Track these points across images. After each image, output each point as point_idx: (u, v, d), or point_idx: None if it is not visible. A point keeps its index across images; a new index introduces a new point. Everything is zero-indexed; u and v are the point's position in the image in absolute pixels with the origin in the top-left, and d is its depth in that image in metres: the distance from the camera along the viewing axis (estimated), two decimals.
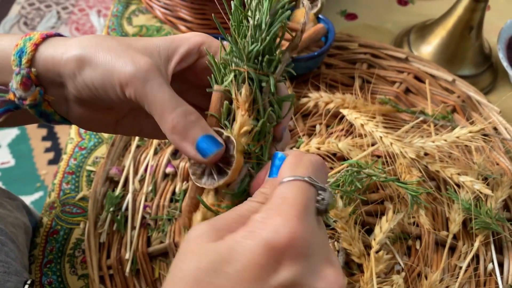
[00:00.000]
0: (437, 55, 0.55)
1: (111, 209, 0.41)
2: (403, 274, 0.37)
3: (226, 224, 0.19)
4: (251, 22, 0.23)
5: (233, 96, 0.23)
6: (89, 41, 0.25)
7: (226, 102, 0.23)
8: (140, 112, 0.27)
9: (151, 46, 0.25)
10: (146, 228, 0.40)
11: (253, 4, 0.23)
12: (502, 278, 0.38)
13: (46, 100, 0.26)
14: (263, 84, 0.23)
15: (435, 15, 0.58)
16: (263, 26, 0.23)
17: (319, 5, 0.53)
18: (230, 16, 0.24)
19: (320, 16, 0.53)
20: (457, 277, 0.38)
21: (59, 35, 0.26)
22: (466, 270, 0.38)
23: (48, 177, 0.90)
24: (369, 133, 0.42)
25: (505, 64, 0.52)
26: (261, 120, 0.23)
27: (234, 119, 0.23)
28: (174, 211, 0.41)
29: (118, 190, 0.42)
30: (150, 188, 0.43)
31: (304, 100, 0.48)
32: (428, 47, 0.56)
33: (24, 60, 0.25)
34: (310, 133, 0.48)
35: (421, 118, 0.46)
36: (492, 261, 0.39)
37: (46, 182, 0.89)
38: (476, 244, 0.39)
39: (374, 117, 0.45)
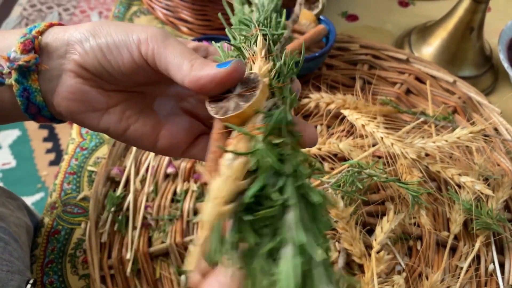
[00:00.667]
0: (438, 56, 0.55)
1: (112, 209, 0.41)
2: (404, 274, 0.37)
3: None
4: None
5: (248, 54, 0.24)
6: (105, 20, 0.26)
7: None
8: (133, 106, 0.27)
9: None
10: (147, 228, 0.40)
11: None
12: (503, 278, 0.38)
13: (37, 71, 0.25)
14: (275, 37, 0.25)
15: (436, 16, 0.58)
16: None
17: (320, 6, 0.53)
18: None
19: (321, 17, 0.53)
20: (458, 278, 0.38)
21: None
22: (467, 271, 0.38)
23: (49, 178, 0.90)
24: (370, 133, 0.42)
25: (506, 65, 0.52)
26: (279, 62, 0.24)
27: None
28: (175, 211, 0.41)
29: (119, 191, 0.42)
30: (151, 188, 0.43)
31: (305, 100, 0.48)
32: (429, 48, 0.56)
33: (34, 31, 0.25)
34: None
35: (422, 119, 0.46)
36: (493, 262, 0.39)
37: (47, 183, 0.89)
38: (477, 244, 0.39)
39: (375, 118, 0.45)
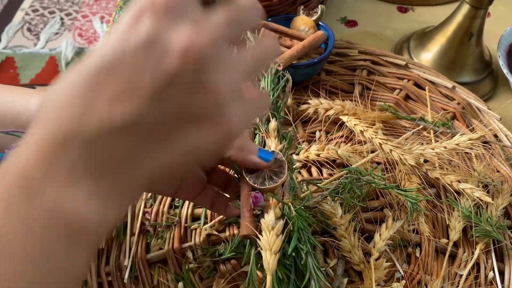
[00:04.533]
0: (437, 62, 0.55)
1: None
2: (403, 282, 0.37)
3: None
4: (262, 84, 0.37)
5: (262, 130, 0.34)
6: None
7: (257, 136, 0.34)
8: None
9: None
10: (145, 234, 0.40)
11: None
12: (503, 286, 0.38)
13: None
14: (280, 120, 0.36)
15: (435, 22, 0.58)
16: (269, 89, 0.37)
17: (319, 12, 0.53)
18: None
19: (320, 23, 0.53)
20: (458, 285, 0.37)
21: None
22: (466, 278, 0.38)
23: None
24: (369, 139, 0.42)
25: (505, 71, 0.52)
26: (286, 140, 0.34)
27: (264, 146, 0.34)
28: (173, 218, 0.41)
29: None
30: (149, 194, 0.43)
31: (303, 106, 0.48)
32: (428, 54, 0.56)
33: None
34: (310, 140, 0.48)
35: (421, 126, 0.46)
36: (493, 269, 0.38)
37: None
38: (477, 252, 0.39)
39: (374, 124, 0.45)
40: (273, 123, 0.35)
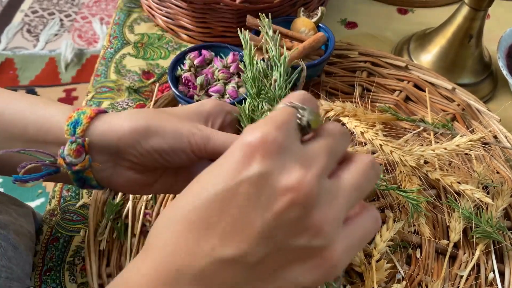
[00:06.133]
0: (437, 64, 0.55)
1: (111, 216, 0.41)
2: (404, 283, 0.37)
3: None
4: (274, 76, 0.36)
5: None
6: (145, 113, 0.29)
7: None
8: (169, 173, 0.32)
9: (191, 113, 0.31)
10: (146, 235, 0.40)
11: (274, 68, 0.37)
12: (503, 287, 0.38)
13: (91, 166, 0.29)
14: None
15: (435, 23, 0.58)
16: (282, 80, 0.35)
17: (319, 13, 0.53)
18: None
19: (320, 24, 0.53)
20: (458, 286, 0.37)
21: (106, 111, 0.30)
22: (466, 279, 0.38)
23: (50, 184, 0.90)
24: (369, 141, 0.42)
25: (505, 72, 0.52)
26: None
27: None
28: None
29: (118, 198, 0.42)
30: (150, 195, 0.43)
31: None
32: (428, 56, 0.56)
33: (78, 130, 0.28)
34: None
35: (421, 128, 0.46)
36: (493, 270, 0.39)
37: (47, 189, 0.89)
38: (477, 253, 0.39)
39: (374, 125, 0.45)
40: None
